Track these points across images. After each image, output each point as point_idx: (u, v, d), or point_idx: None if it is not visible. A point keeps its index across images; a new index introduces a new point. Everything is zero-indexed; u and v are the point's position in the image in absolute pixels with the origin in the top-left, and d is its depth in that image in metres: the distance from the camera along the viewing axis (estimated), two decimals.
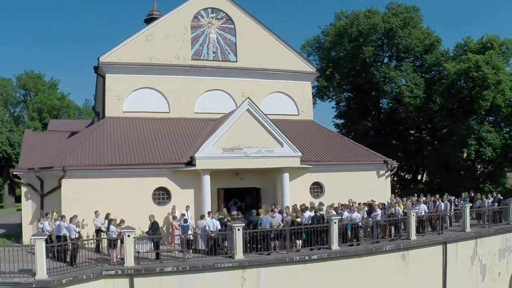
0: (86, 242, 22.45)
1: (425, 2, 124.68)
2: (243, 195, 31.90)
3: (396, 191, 54.71)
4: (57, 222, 23.34)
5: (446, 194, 33.78)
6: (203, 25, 35.58)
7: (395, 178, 57.16)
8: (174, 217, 25.90)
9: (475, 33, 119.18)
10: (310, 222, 24.60)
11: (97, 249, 23.95)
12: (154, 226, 23.15)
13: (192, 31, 35.25)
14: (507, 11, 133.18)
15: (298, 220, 24.32)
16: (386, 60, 57.52)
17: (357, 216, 25.50)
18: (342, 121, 60.18)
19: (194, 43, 35.22)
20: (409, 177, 59.05)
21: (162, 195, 28.85)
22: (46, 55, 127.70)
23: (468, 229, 29.64)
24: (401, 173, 58.13)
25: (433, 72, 53.49)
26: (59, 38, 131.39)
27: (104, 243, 23.68)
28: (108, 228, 23.03)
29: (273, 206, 28.51)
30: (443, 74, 49.72)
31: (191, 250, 23.38)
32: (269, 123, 30.08)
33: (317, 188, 32.45)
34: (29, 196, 28.98)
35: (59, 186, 27.23)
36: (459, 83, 46.12)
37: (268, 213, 24.76)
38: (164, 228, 27.66)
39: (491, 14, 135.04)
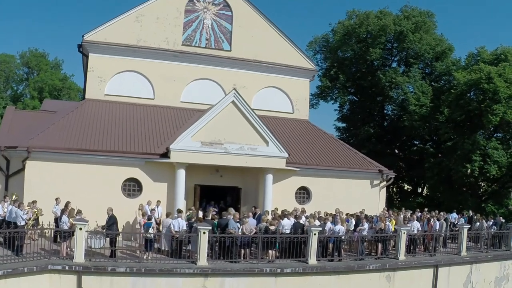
0: (33, 231, 20.79)
1: (441, 9, 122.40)
2: (222, 195, 29.75)
3: (394, 202, 52.77)
4: (10, 207, 21.38)
5: (443, 212, 31.46)
6: (198, 9, 33.51)
7: (395, 189, 55.17)
8: (144, 214, 23.82)
9: (489, 43, 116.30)
10: (289, 230, 22.38)
11: (55, 239, 21.84)
12: (110, 220, 20.93)
13: (185, 15, 33.22)
14: None
15: (272, 228, 21.95)
16: (394, 64, 55.62)
17: (340, 228, 23.16)
18: (344, 124, 58.41)
19: (187, 28, 33.19)
20: (409, 189, 56.90)
21: (132, 187, 26.73)
22: (52, 35, 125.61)
23: (463, 253, 27.29)
24: (402, 184, 56.16)
25: (442, 81, 51.58)
26: (66, 18, 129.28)
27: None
28: (60, 218, 20.85)
29: (253, 208, 26.62)
30: (452, 84, 47.48)
31: (151, 252, 21.04)
32: (255, 119, 27.82)
33: (303, 194, 30.25)
34: None
35: (23, 168, 25.28)
36: (468, 95, 44.00)
37: (235, 217, 22.26)
38: (131, 223, 25.46)
39: (508, 26, 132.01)
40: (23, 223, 20.42)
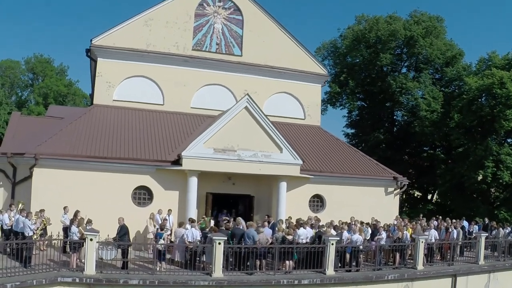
0: (41, 242, 20.12)
1: (451, 13, 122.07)
2: (234, 203, 29.08)
3: (404, 209, 51.97)
4: (17, 216, 20.82)
5: (458, 220, 30.77)
6: (208, 14, 33.01)
7: (404, 196, 54.36)
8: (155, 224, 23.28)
9: (501, 48, 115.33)
10: (305, 240, 21.70)
11: (64, 250, 21.09)
12: (122, 230, 20.28)
13: (195, 19, 32.72)
14: None
15: (290, 237, 21.28)
16: (404, 70, 55.05)
17: (358, 238, 22.48)
18: (353, 131, 57.68)
19: (197, 33, 32.68)
20: (419, 196, 56.09)
21: (143, 195, 26.17)
22: (58, 40, 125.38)
23: (481, 262, 26.66)
24: (411, 191, 55.37)
25: (453, 87, 50.85)
26: (72, 24, 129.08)
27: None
28: (69, 228, 20.20)
29: (266, 217, 25.95)
30: (463, 89, 46.78)
31: (164, 262, 20.34)
32: (268, 125, 27.22)
33: (317, 202, 29.67)
34: (1, 183, 26.09)
35: (30, 176, 24.67)
36: (480, 100, 43.44)
37: (253, 226, 21.50)
38: (141, 233, 24.80)
39: None
40: (31, 233, 19.82)
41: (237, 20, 33.56)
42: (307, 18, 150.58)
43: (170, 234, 22.44)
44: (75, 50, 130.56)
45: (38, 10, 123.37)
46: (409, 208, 53.81)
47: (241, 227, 21.49)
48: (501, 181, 42.04)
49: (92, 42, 30.57)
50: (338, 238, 21.73)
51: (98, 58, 30.97)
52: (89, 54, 31.37)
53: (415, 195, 56.38)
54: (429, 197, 55.63)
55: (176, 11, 32.30)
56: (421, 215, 32.44)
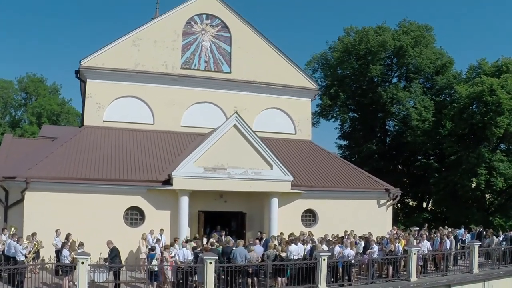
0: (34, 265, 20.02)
1: (440, 22, 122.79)
2: (227, 220, 29.01)
3: (399, 218, 52.10)
4: (8, 241, 20.79)
5: (451, 229, 30.88)
6: (196, 32, 33.21)
7: (399, 205, 54.47)
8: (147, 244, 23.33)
9: (490, 55, 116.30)
10: (297, 256, 21.77)
11: (56, 273, 21.28)
12: (113, 253, 20.30)
13: (183, 37, 32.91)
14: None
15: (283, 254, 21.34)
16: (394, 80, 55.44)
17: (349, 252, 22.53)
18: (345, 142, 57.81)
19: (185, 51, 32.85)
20: (414, 205, 56.21)
21: (135, 216, 26.12)
22: (50, 60, 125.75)
23: (475, 270, 26.68)
24: (406, 200, 55.51)
25: (443, 95, 51.30)
26: (64, 43, 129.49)
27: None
28: (61, 252, 20.26)
29: (259, 233, 26.02)
30: (454, 98, 47.25)
31: (156, 282, 20.36)
32: (258, 142, 27.32)
33: (310, 216, 29.67)
34: None
35: (22, 199, 24.64)
36: (471, 108, 43.71)
37: (239, 245, 21.47)
38: (134, 253, 24.82)
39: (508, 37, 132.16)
40: (22, 258, 19.87)
41: (225, 37, 33.75)
42: (296, 31, 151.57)
43: (174, 256, 22.20)
44: (68, 69, 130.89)
45: (30, 30, 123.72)
46: (405, 217, 53.95)
47: (230, 245, 21.53)
48: (494, 187, 42.14)
49: (81, 63, 30.65)
50: (330, 254, 21.79)
51: (87, 79, 31.05)
52: (78, 75, 31.48)
53: (410, 204, 56.52)
54: (424, 205, 55.72)
55: (164, 30, 32.46)
56: (413, 228, 32.41)
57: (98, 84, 31.03)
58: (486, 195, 46.58)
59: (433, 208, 53.94)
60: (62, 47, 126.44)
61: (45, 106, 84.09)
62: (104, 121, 30.95)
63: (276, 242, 23.14)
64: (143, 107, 31.78)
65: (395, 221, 49.31)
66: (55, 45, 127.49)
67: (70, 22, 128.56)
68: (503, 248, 29.13)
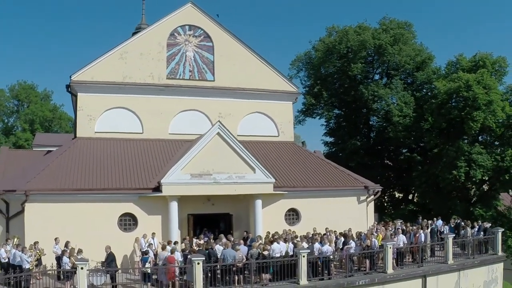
0: (37, 273, 21.60)
1: (420, 17, 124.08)
2: (215, 222, 30.55)
3: (386, 211, 53.51)
4: (13, 250, 22.28)
5: (430, 221, 32.41)
6: (179, 42, 34.62)
7: (386, 198, 55.93)
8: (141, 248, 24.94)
9: (469, 50, 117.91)
10: (279, 254, 23.30)
11: (58, 277, 22.71)
12: (109, 258, 21.96)
13: (168, 49, 34.31)
14: (502, 30, 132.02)
15: (266, 253, 23.00)
16: (376, 77, 56.27)
17: (327, 249, 24.14)
18: (331, 139, 58.57)
19: (170, 62, 34.26)
20: (400, 197, 57.59)
21: (128, 221, 27.68)
22: (40, 66, 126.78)
23: (450, 261, 28.25)
24: (393, 193, 56.83)
25: (424, 90, 52.38)
26: (54, 49, 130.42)
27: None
28: (61, 258, 21.93)
29: (245, 233, 27.66)
30: (434, 93, 48.27)
31: (149, 283, 21.99)
32: (240, 148, 28.94)
33: (293, 215, 31.22)
34: None
35: (23, 210, 26.12)
36: (449, 103, 44.90)
37: (227, 245, 23.15)
38: (128, 257, 26.46)
39: (488, 31, 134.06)
40: (28, 266, 21.30)
41: (207, 46, 35.13)
42: (280, 31, 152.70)
43: (155, 256, 23.89)
44: (58, 75, 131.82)
45: (21, 37, 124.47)
46: (392, 209, 55.28)
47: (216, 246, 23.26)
48: (474, 179, 43.17)
49: (72, 78, 32.01)
50: (309, 251, 23.39)
51: (78, 93, 32.42)
52: (69, 89, 32.77)
53: (397, 196, 57.84)
54: (410, 197, 57.07)
55: (149, 42, 33.85)
56: (391, 222, 33.72)
57: (89, 97, 32.41)
58: (469, 186, 47.50)
59: (418, 200, 55.33)
60: (52, 52, 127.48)
61: (37, 113, 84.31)
62: (95, 132, 32.35)
63: (261, 241, 24.78)
64: (132, 117, 33.16)
65: (383, 213, 51.13)
66: (45, 51, 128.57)
67: (58, 26, 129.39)
68: (478, 239, 30.48)
